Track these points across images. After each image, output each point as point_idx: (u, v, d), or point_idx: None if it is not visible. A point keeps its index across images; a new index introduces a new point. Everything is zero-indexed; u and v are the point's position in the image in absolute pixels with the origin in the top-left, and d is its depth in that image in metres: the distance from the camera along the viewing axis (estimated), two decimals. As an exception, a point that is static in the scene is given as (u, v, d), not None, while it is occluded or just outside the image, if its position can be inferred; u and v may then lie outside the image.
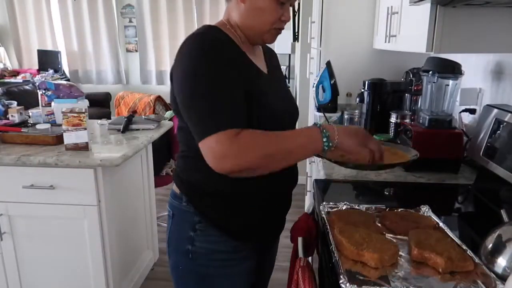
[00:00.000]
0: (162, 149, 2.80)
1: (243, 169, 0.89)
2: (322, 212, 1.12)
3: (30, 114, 2.21)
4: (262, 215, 1.09)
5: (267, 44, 1.17)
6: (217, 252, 1.07)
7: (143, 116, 2.46)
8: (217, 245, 1.06)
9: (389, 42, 1.84)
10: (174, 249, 1.12)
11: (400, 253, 0.91)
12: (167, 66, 5.70)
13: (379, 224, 1.06)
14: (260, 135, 0.91)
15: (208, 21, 5.40)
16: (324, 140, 0.91)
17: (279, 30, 1.03)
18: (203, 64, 0.91)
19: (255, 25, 1.00)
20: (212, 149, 0.87)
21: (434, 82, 1.53)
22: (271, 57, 1.19)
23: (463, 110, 1.67)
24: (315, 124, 0.95)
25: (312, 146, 0.92)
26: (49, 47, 5.84)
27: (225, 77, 0.92)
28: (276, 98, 1.07)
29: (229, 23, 1.03)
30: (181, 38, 5.54)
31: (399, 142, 1.63)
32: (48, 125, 2.07)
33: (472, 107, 1.66)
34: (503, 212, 0.97)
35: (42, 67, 5.44)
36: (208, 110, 0.89)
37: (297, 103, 4.85)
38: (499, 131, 1.29)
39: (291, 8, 1.04)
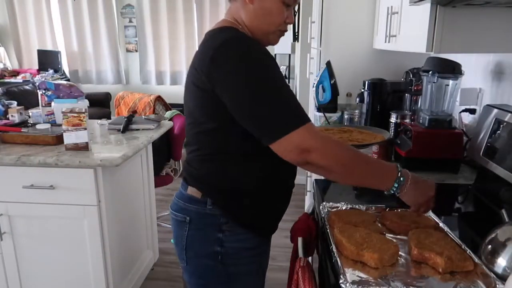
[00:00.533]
0: (162, 149, 2.80)
1: (327, 164, 0.93)
2: (322, 212, 1.12)
3: (30, 114, 2.21)
4: (281, 209, 1.15)
5: (272, 46, 1.19)
6: (245, 249, 1.09)
7: (143, 116, 2.46)
8: (245, 243, 1.09)
9: (389, 42, 1.84)
10: (197, 255, 1.11)
11: (400, 253, 0.91)
12: (167, 66, 5.70)
13: (379, 224, 1.06)
14: (340, 144, 0.98)
15: (208, 21, 5.40)
16: (395, 185, 0.96)
17: (283, 32, 1.06)
18: (259, 66, 0.94)
19: (262, 26, 1.03)
20: (297, 143, 0.90)
21: (434, 82, 1.53)
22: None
23: (463, 110, 1.67)
24: (396, 165, 0.98)
25: (382, 182, 0.97)
26: (49, 47, 5.84)
27: (281, 75, 0.96)
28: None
29: (238, 24, 1.04)
30: (181, 38, 5.56)
31: (399, 142, 1.63)
32: (48, 125, 2.07)
33: (472, 107, 1.66)
34: (503, 212, 0.97)
35: (42, 67, 5.44)
36: (281, 109, 0.92)
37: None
38: (499, 131, 1.29)
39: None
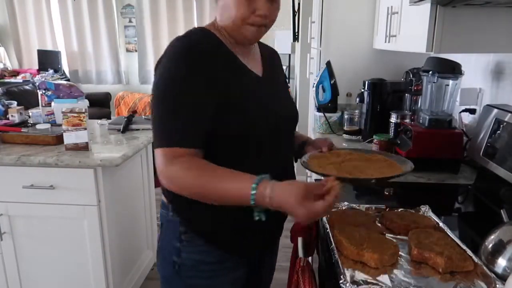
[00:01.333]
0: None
1: (175, 189, 0.91)
2: (322, 212, 1.11)
3: (30, 114, 2.21)
4: (249, 226, 1.01)
5: (274, 48, 1.18)
6: (204, 263, 1.04)
7: (143, 116, 2.46)
8: (204, 255, 1.03)
9: (389, 42, 1.84)
10: (162, 262, 1.09)
11: (400, 253, 0.91)
12: (167, 66, 5.70)
13: (379, 224, 1.06)
14: (194, 169, 0.89)
15: (208, 21, 5.32)
16: (251, 202, 0.84)
17: (258, 27, 0.96)
18: (177, 72, 0.90)
19: (227, 23, 0.96)
20: (157, 161, 0.90)
21: (434, 82, 1.53)
22: (272, 60, 1.15)
23: (463, 110, 1.67)
24: (259, 178, 0.85)
25: (241, 200, 0.85)
26: (49, 47, 5.84)
27: (194, 90, 0.90)
28: (271, 101, 1.04)
29: (218, 24, 1.00)
30: (181, 38, 5.55)
31: (399, 142, 1.63)
32: (48, 125, 2.07)
33: (472, 107, 1.66)
34: (503, 212, 0.97)
35: (42, 67, 5.44)
36: (166, 121, 0.90)
37: (297, 103, 4.80)
38: (499, 131, 1.29)
39: (267, 4, 0.95)
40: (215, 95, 0.91)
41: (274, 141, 1.02)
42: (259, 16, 0.93)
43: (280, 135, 1.04)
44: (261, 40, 1.10)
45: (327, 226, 1.03)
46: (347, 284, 0.78)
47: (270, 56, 1.15)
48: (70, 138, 1.81)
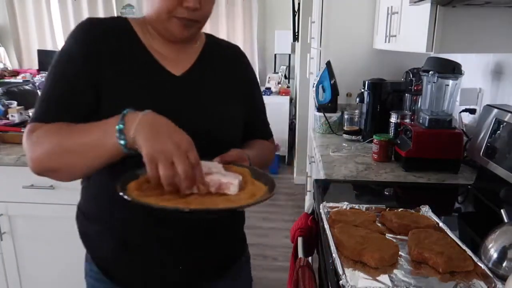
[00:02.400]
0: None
1: (39, 168, 0.76)
2: (322, 212, 1.12)
3: (30, 114, 2.21)
4: (130, 254, 0.89)
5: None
6: (88, 275, 0.97)
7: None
8: (99, 284, 0.94)
9: (389, 42, 1.84)
10: None
11: (400, 253, 0.91)
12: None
13: (379, 224, 1.06)
14: (53, 129, 0.77)
15: (208, 21, 5.39)
16: (116, 134, 0.69)
17: (185, 20, 0.84)
18: (64, 45, 0.84)
19: (152, 15, 0.86)
20: (24, 144, 0.78)
21: (434, 82, 1.53)
22: (222, 63, 0.99)
23: (463, 110, 1.67)
24: (124, 113, 0.71)
25: (107, 142, 0.70)
26: (49, 47, 5.83)
27: (65, 65, 0.82)
28: (174, 103, 0.88)
29: (144, 17, 0.91)
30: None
31: (399, 142, 1.63)
32: (48, 125, 2.07)
33: (472, 107, 1.66)
34: (503, 212, 0.97)
35: (42, 67, 5.43)
36: (39, 98, 0.82)
37: (297, 103, 4.77)
38: (499, 131, 1.29)
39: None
40: (94, 74, 0.82)
41: None
42: (188, 8, 0.81)
43: None
44: (227, 40, 1.03)
45: (327, 226, 1.03)
46: (347, 284, 0.78)
47: (224, 59, 1.00)
48: (70, 138, 1.81)
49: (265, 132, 1.11)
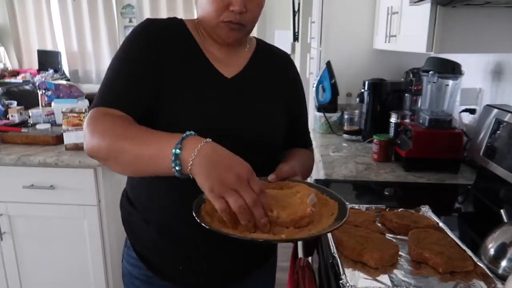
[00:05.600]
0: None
1: (94, 155, 0.77)
2: (322, 212, 1.11)
3: (30, 114, 2.21)
4: (170, 244, 0.91)
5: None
6: (133, 277, 0.99)
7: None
8: (134, 269, 0.98)
9: (389, 42, 1.84)
10: None
11: (400, 253, 0.91)
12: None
13: (379, 224, 1.06)
14: (117, 125, 0.77)
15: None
16: (172, 157, 0.67)
17: (232, 24, 0.85)
18: (125, 41, 0.88)
19: (203, 18, 0.89)
20: (84, 129, 0.80)
21: (434, 82, 1.53)
22: (271, 67, 1.00)
23: (463, 110, 1.67)
24: (183, 136, 0.69)
25: (161, 162, 0.69)
26: (49, 47, 5.83)
27: (130, 56, 0.86)
28: (225, 104, 0.90)
29: (195, 21, 0.95)
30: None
31: (399, 142, 1.63)
32: (48, 125, 2.07)
33: (472, 107, 1.66)
34: (503, 212, 0.97)
35: (42, 67, 5.44)
36: (101, 86, 0.85)
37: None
38: (499, 131, 1.29)
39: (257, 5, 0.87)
40: (155, 73, 0.85)
41: None
42: (234, 12, 0.83)
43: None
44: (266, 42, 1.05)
45: (327, 226, 1.02)
46: (347, 284, 0.78)
47: (274, 65, 1.02)
48: (70, 138, 1.81)
49: (306, 141, 1.13)
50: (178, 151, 0.67)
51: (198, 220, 0.69)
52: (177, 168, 0.67)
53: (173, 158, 0.67)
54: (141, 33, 0.88)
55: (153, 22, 0.90)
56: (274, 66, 1.02)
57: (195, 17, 0.96)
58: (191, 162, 0.65)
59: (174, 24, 0.92)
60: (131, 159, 0.73)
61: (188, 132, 0.70)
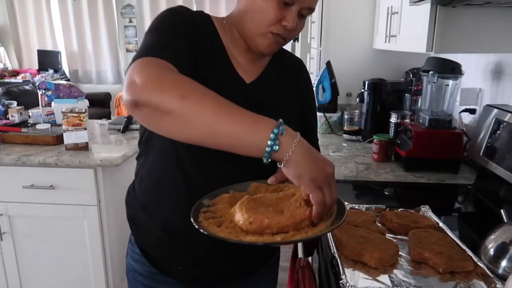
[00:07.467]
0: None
1: (150, 102, 0.65)
2: (322, 212, 1.11)
3: (30, 114, 2.21)
4: (174, 241, 0.92)
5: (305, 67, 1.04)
6: (137, 273, 0.99)
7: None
8: (137, 265, 0.98)
9: (389, 42, 1.84)
10: None
11: (400, 253, 0.91)
12: (167, 66, 5.71)
13: (379, 224, 1.06)
14: (193, 81, 0.69)
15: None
16: (271, 136, 0.64)
17: (278, 37, 0.85)
18: (163, 16, 0.84)
19: (247, 23, 0.86)
20: (129, 74, 0.68)
21: (434, 82, 1.53)
22: (287, 72, 1.01)
23: (463, 110, 1.67)
24: (280, 121, 0.67)
25: (251, 138, 0.65)
26: (49, 47, 5.84)
27: (172, 22, 0.82)
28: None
29: (226, 19, 0.93)
30: (181, 38, 5.56)
31: (399, 142, 1.63)
32: (48, 125, 2.07)
33: (472, 107, 1.66)
34: (503, 212, 0.97)
35: (42, 67, 5.44)
36: (143, 45, 0.78)
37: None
38: (499, 131, 1.29)
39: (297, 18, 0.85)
40: (192, 51, 0.82)
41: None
42: (285, 27, 0.83)
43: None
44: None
45: (327, 226, 1.02)
46: (347, 284, 0.78)
47: (288, 71, 1.02)
48: (70, 138, 1.81)
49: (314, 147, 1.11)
50: (281, 131, 0.65)
51: (196, 226, 0.70)
52: (274, 148, 0.64)
53: (272, 136, 0.64)
54: (176, 11, 0.85)
55: (186, 8, 0.87)
56: (288, 72, 1.02)
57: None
58: (293, 148, 0.65)
59: (203, 17, 0.91)
60: (211, 127, 0.65)
61: (280, 120, 0.67)
